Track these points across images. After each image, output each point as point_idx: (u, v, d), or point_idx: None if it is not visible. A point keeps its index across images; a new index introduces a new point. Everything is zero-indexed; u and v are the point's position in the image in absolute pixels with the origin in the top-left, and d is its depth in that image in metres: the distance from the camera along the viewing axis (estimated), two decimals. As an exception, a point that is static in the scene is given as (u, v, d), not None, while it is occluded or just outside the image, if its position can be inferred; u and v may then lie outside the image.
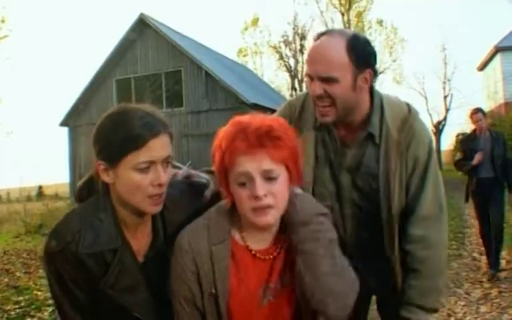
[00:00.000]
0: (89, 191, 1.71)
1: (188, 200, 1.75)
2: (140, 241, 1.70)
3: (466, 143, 6.98)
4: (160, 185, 1.58)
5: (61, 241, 1.56)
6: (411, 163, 2.03)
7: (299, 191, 1.67)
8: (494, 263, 6.50)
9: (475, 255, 7.84)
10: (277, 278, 1.60)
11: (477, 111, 6.81)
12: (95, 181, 1.68)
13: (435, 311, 2.08)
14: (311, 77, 1.96)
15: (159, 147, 1.56)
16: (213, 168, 1.61)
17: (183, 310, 1.58)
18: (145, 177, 1.55)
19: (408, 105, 2.11)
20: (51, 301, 6.45)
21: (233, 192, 1.54)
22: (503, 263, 6.91)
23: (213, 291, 1.56)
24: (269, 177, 1.49)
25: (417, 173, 2.04)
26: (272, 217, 1.52)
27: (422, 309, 2.02)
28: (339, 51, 1.90)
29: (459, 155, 7.17)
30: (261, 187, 1.47)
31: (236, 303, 1.57)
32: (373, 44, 2.05)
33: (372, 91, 2.08)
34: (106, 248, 1.59)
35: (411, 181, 2.04)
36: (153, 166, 1.56)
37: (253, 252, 1.61)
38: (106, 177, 1.60)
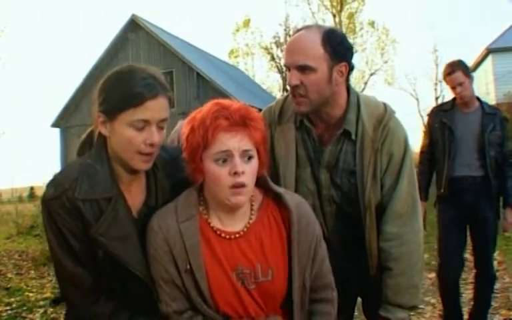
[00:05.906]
0: (91, 147, 1.77)
1: (179, 166, 1.78)
2: (133, 196, 1.75)
3: (435, 116, 4.06)
4: (152, 145, 1.63)
5: (59, 187, 1.62)
6: (385, 160, 2.07)
7: None
8: None
9: (466, 255, 7.79)
10: (251, 263, 1.63)
11: (454, 66, 3.91)
12: (94, 135, 1.74)
13: (413, 308, 2.11)
14: (289, 68, 2.03)
15: (156, 108, 1.62)
16: (186, 145, 1.63)
17: (164, 291, 1.63)
18: (138, 134, 1.61)
19: (384, 104, 2.16)
20: (42, 302, 6.43)
21: (207, 169, 1.58)
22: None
23: (188, 267, 1.59)
24: (245, 157, 1.56)
25: (391, 169, 2.07)
26: (244, 197, 1.59)
27: (399, 307, 2.04)
28: (315, 42, 1.98)
29: (423, 144, 4.22)
30: (240, 164, 1.54)
31: (214, 281, 1.60)
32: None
33: (349, 88, 2.13)
34: (101, 196, 1.65)
35: (385, 177, 2.07)
36: (147, 125, 1.62)
37: (218, 232, 1.65)
38: (103, 129, 1.67)
